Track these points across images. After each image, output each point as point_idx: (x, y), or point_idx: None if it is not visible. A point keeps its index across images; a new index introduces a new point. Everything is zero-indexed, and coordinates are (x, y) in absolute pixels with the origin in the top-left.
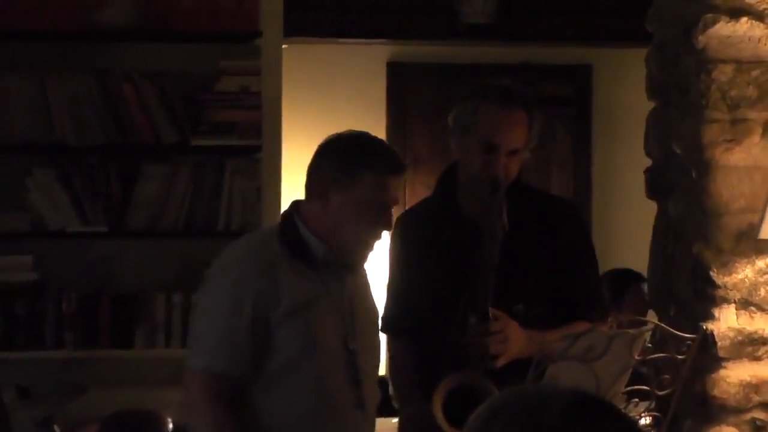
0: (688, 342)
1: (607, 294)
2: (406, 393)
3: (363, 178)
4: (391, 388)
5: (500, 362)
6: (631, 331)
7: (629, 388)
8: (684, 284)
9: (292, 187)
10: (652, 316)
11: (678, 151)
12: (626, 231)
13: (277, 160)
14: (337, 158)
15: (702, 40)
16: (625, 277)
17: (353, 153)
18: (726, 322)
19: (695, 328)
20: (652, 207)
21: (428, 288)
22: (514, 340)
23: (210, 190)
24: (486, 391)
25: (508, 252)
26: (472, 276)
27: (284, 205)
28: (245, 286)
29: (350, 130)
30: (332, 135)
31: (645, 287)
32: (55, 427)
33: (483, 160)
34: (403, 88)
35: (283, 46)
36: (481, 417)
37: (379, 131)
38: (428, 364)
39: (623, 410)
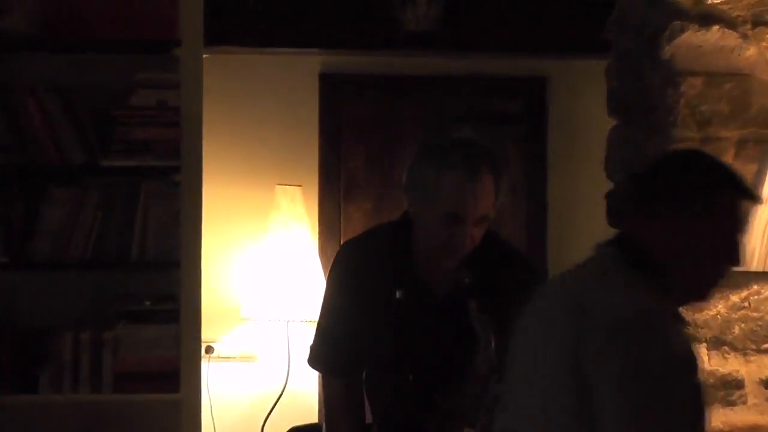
0: None
1: None
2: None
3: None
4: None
5: None
6: None
7: None
8: None
9: (214, 213)
10: None
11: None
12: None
13: (198, 182)
14: None
15: (669, 50)
16: None
17: None
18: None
19: None
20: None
21: (366, 334)
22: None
23: (122, 216)
24: None
25: (454, 311)
26: (416, 333)
27: (206, 233)
28: None
29: None
30: None
31: None
32: None
33: (447, 232)
34: (337, 103)
35: (204, 57)
36: None
37: (311, 149)
38: (362, 405)
39: None
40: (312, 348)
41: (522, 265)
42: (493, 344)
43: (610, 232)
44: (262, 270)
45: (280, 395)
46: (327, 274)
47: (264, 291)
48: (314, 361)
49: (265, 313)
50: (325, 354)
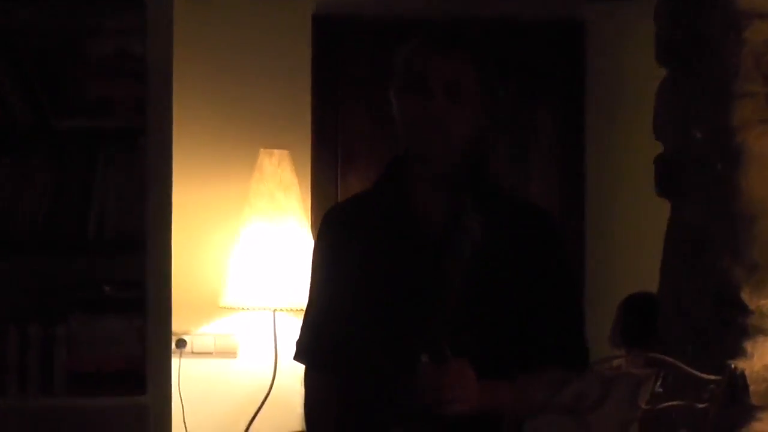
0: (712, 386)
1: (621, 329)
2: None
3: None
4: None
5: (453, 411)
6: (635, 371)
7: None
8: (706, 310)
9: (186, 183)
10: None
11: (698, 135)
12: (630, 242)
13: (166, 147)
14: None
15: None
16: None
17: None
18: (762, 359)
19: (721, 368)
20: (663, 209)
21: (363, 313)
22: (471, 387)
23: (77, 188)
24: None
25: (468, 272)
26: (426, 302)
27: (176, 207)
28: None
29: None
30: None
31: None
32: None
33: (413, 109)
34: (333, 51)
35: None
36: None
37: (302, 106)
38: (358, 409)
39: None
40: (297, 341)
41: (532, 211)
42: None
43: (660, 206)
44: (243, 251)
45: (266, 397)
46: None
47: (245, 275)
48: (298, 353)
49: (246, 300)
50: (309, 343)
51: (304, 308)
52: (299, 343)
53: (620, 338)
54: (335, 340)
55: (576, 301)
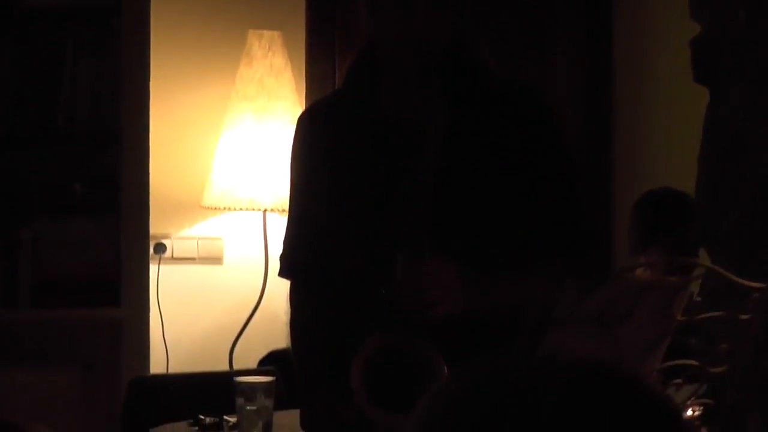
0: (756, 295)
1: (639, 228)
2: (311, 360)
3: None
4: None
5: (436, 314)
6: (671, 279)
7: (668, 364)
8: (749, 210)
9: (165, 69)
10: (702, 258)
11: (741, 14)
12: (663, 134)
13: (144, 27)
14: None
15: None
16: (665, 202)
17: None
18: None
19: (766, 275)
20: (701, 97)
21: (338, 213)
22: (453, 285)
23: (44, 75)
24: (422, 358)
25: (446, 161)
26: (399, 196)
27: (155, 96)
28: None
29: None
30: None
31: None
32: None
33: (395, 14)
34: None
35: None
36: (442, 402)
37: None
38: (340, 321)
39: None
40: (281, 256)
41: (518, 86)
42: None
43: (697, 93)
44: (230, 144)
45: (255, 308)
46: None
47: (232, 171)
48: (282, 270)
49: (233, 199)
50: (292, 257)
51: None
52: (283, 259)
53: (637, 239)
54: (317, 252)
55: (572, 185)
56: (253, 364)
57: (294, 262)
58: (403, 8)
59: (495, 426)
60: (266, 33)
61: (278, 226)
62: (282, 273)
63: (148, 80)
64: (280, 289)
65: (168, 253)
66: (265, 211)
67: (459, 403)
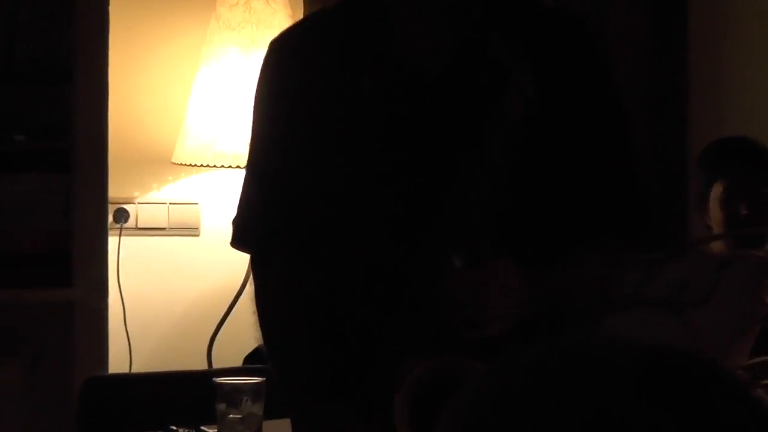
0: None
1: (699, 186)
2: (295, 361)
3: None
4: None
5: (494, 330)
6: (757, 254)
7: (757, 360)
8: None
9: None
10: None
11: None
12: (748, 79)
13: None
14: None
15: None
16: (731, 152)
17: None
18: None
19: None
20: None
21: (354, 188)
22: (517, 295)
23: None
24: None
25: (523, 136)
26: (452, 182)
27: (114, 28)
28: None
29: None
30: None
31: None
32: None
33: None
34: None
35: None
36: (488, 394)
37: None
38: (349, 325)
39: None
40: (236, 219)
41: (562, 18)
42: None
43: None
44: (208, 86)
45: (239, 292)
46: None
47: (211, 120)
48: (241, 237)
49: (212, 155)
50: (257, 219)
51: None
52: (239, 224)
53: (719, 205)
54: (306, 223)
55: (627, 147)
56: (237, 361)
57: (257, 226)
58: None
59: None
60: None
61: None
62: (236, 241)
63: (107, 8)
64: None
65: (131, 222)
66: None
67: (508, 391)
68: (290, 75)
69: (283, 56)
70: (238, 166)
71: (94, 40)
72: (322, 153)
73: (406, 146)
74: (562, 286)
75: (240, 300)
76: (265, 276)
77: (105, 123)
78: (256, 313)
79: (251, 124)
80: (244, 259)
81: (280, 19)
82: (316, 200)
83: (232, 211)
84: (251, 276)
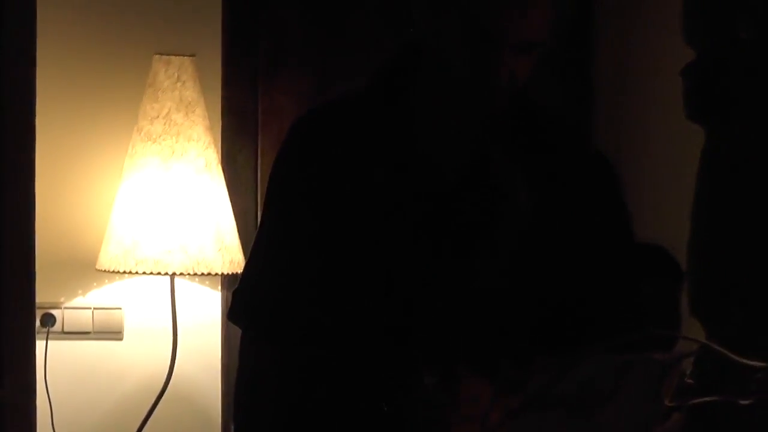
0: (759, 375)
1: None
2: None
3: None
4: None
5: None
6: (657, 356)
7: None
8: (752, 274)
9: (52, 96)
10: (693, 329)
11: (745, 34)
12: (647, 181)
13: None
14: None
15: None
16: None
17: None
18: None
19: None
20: (695, 136)
21: (349, 277)
22: (487, 412)
23: None
24: None
25: (519, 247)
26: (446, 292)
27: (41, 133)
28: None
29: None
30: None
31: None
32: None
33: (473, 61)
34: None
35: None
36: None
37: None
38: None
39: None
40: (237, 293)
41: (585, 145)
42: (525, 203)
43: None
44: (130, 194)
45: (161, 393)
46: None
47: (134, 228)
48: (239, 312)
49: (134, 262)
50: (260, 298)
51: (252, 248)
52: (239, 299)
53: None
54: (301, 306)
55: (633, 263)
56: None
57: (256, 305)
58: (480, 49)
59: None
60: (175, 59)
61: (189, 294)
62: (233, 315)
63: (33, 111)
64: (193, 369)
65: (58, 326)
66: (173, 275)
67: None
68: (308, 161)
69: (304, 141)
70: (159, 272)
71: (20, 152)
72: (329, 243)
73: (408, 248)
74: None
75: (161, 401)
76: (248, 355)
77: (32, 232)
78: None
79: (265, 199)
80: (165, 361)
81: (199, 131)
82: (314, 290)
83: (155, 316)
84: (168, 375)
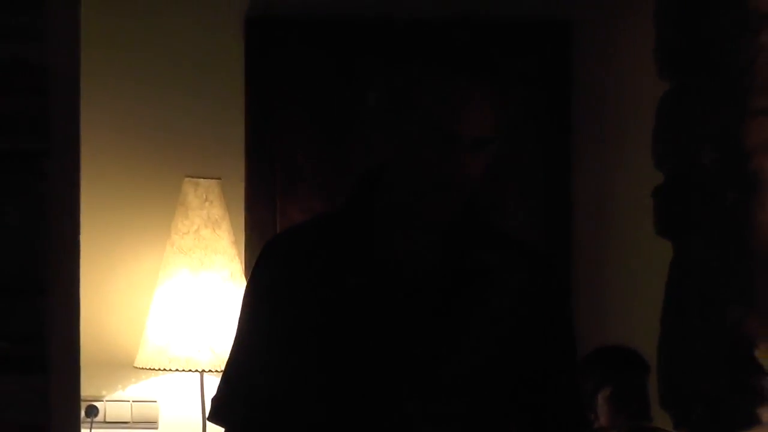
0: None
1: (587, 387)
2: None
3: None
4: None
5: None
6: None
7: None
8: (715, 371)
9: (94, 215)
10: (663, 422)
11: (706, 161)
12: (625, 287)
13: (73, 173)
14: None
15: None
16: (613, 360)
17: None
18: None
19: None
20: (664, 250)
21: (312, 372)
22: None
23: None
24: None
25: (451, 324)
26: (390, 358)
27: (85, 246)
28: None
29: None
30: None
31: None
32: None
33: (433, 160)
34: (270, 58)
35: None
36: None
37: (234, 125)
38: None
39: None
40: (215, 397)
41: (534, 256)
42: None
43: (659, 244)
44: (164, 300)
45: None
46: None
47: (167, 330)
48: (216, 413)
49: (168, 360)
50: (233, 400)
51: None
52: (218, 400)
53: (607, 405)
54: (270, 400)
55: (574, 364)
56: None
57: (233, 405)
58: (442, 152)
59: None
60: (203, 181)
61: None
62: (213, 416)
63: (78, 229)
64: None
65: (100, 416)
66: (202, 372)
67: None
68: (276, 276)
69: (273, 260)
70: (189, 369)
71: (66, 260)
72: (300, 345)
73: (378, 339)
74: None
75: None
76: None
77: (77, 332)
78: None
79: (240, 313)
80: None
81: (225, 245)
82: (289, 389)
83: (186, 407)
84: None
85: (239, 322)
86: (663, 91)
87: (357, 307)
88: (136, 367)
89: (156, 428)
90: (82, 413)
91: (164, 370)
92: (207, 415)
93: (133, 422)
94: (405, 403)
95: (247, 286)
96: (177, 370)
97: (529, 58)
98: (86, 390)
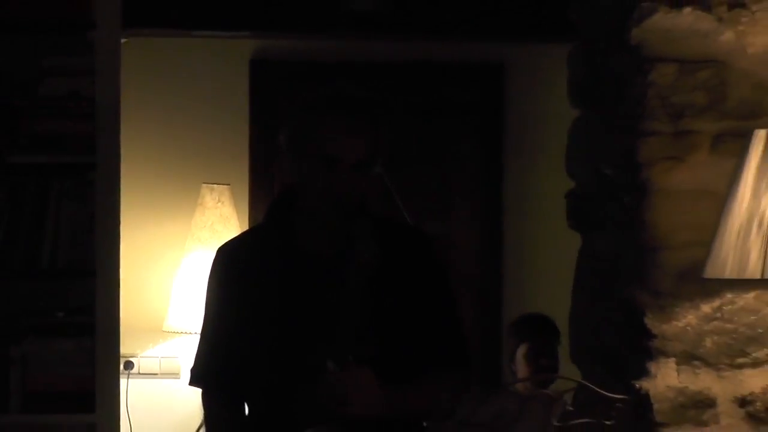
0: (619, 404)
1: (510, 346)
2: None
3: None
4: None
5: (354, 413)
6: (548, 392)
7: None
8: (613, 334)
9: (133, 215)
10: (573, 371)
11: (607, 172)
12: (545, 269)
13: (115, 181)
14: None
15: (637, 34)
16: (531, 325)
17: None
18: (664, 380)
19: (627, 388)
20: (575, 241)
21: (263, 336)
22: (370, 392)
23: (31, 219)
24: None
25: (366, 288)
26: (328, 319)
27: (124, 237)
28: None
29: None
30: None
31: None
32: None
33: (326, 179)
34: (270, 93)
35: (123, 41)
36: None
37: (240, 144)
38: (262, 420)
39: None
40: (192, 368)
41: (410, 231)
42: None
43: (571, 236)
44: (186, 278)
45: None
46: None
47: (188, 301)
48: (194, 379)
49: (189, 325)
50: (206, 368)
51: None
52: (195, 370)
53: (524, 360)
54: (235, 363)
55: (454, 311)
56: None
57: (208, 374)
58: (331, 169)
59: None
60: (216, 186)
61: None
62: (193, 381)
63: (119, 224)
64: None
65: (135, 370)
66: None
67: None
68: (228, 270)
69: (224, 258)
70: None
71: (109, 249)
72: (251, 317)
73: (306, 304)
74: (412, 397)
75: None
76: (210, 405)
77: (117, 303)
78: None
79: (204, 303)
80: None
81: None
82: (245, 350)
83: None
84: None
85: (205, 310)
86: (575, 117)
87: (289, 283)
88: (164, 331)
89: (178, 378)
90: (121, 367)
91: (185, 332)
92: (188, 381)
93: (161, 374)
94: (321, 348)
95: (208, 282)
96: (195, 333)
97: (471, 92)
98: (124, 349)
